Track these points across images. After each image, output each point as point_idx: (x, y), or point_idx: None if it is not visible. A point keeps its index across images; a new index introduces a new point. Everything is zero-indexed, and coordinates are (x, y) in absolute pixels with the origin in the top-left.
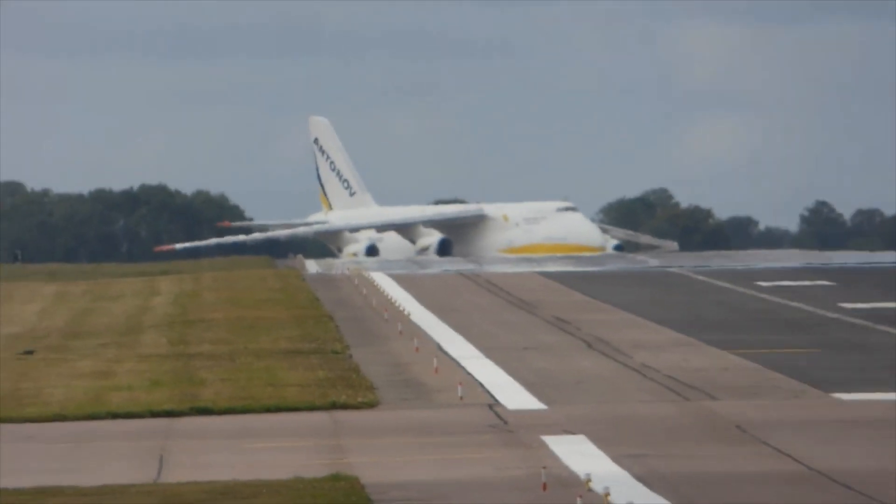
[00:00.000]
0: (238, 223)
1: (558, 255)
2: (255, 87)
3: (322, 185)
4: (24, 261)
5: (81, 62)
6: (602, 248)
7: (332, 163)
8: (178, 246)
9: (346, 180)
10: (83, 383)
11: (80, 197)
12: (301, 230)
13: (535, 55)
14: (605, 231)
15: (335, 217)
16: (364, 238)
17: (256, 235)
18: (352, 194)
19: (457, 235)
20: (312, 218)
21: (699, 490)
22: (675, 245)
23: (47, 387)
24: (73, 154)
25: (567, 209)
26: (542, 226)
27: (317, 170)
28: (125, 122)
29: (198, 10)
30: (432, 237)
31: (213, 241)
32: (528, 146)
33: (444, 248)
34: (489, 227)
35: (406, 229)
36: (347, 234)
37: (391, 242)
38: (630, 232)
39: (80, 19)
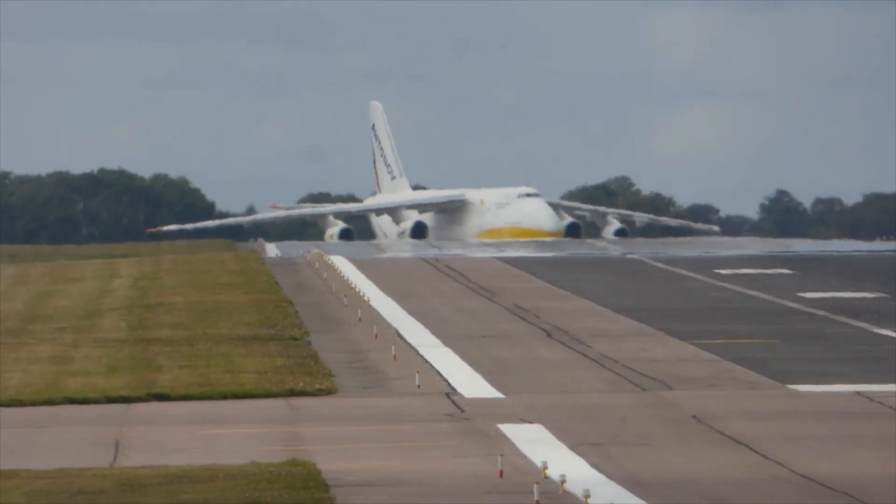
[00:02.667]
0: (283, 206)
1: (522, 240)
2: (217, 71)
3: (375, 170)
4: None
5: (40, 45)
6: (558, 233)
7: (381, 147)
8: (166, 228)
9: (389, 165)
10: (40, 368)
11: (39, 179)
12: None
13: (510, 44)
14: (627, 219)
15: (370, 201)
16: (340, 223)
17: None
18: (392, 178)
19: (440, 220)
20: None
21: (655, 478)
22: (716, 229)
23: (4, 371)
24: (33, 137)
25: (528, 195)
26: (505, 211)
27: (373, 154)
28: (85, 105)
29: None
30: (410, 221)
31: (211, 223)
32: (500, 134)
33: (417, 232)
34: (469, 212)
35: (394, 213)
36: (331, 219)
37: (386, 226)
38: (652, 216)
39: (39, 2)
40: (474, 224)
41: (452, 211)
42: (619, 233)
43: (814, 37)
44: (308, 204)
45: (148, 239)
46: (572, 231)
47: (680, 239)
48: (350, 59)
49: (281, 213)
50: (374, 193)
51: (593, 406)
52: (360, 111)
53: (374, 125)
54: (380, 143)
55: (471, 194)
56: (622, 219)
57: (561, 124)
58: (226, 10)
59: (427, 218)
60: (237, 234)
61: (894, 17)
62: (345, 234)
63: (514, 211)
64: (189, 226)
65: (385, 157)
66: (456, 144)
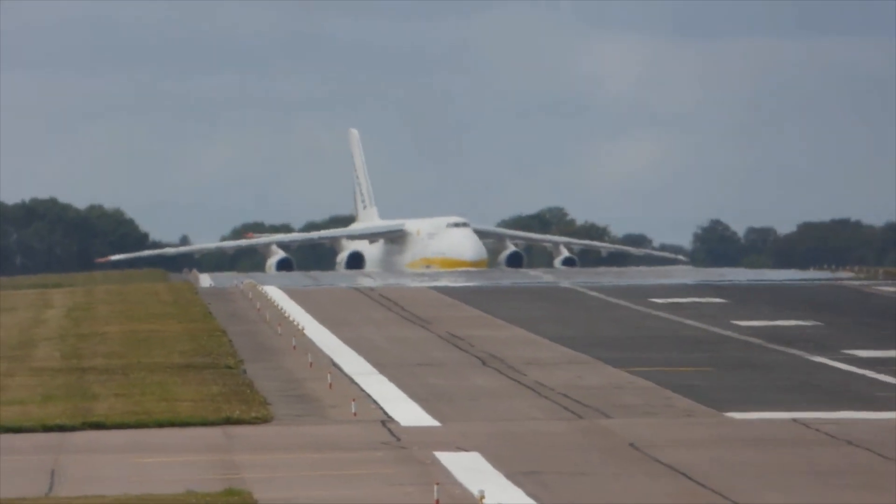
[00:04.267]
0: (259, 234)
1: (456, 269)
2: (150, 101)
3: (354, 198)
4: None
5: None
6: (481, 263)
7: (357, 175)
8: (115, 258)
9: (362, 194)
10: None
11: None
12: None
13: (449, 70)
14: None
15: (330, 231)
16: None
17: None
18: (364, 207)
19: (380, 250)
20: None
21: None
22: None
23: None
24: None
25: (457, 224)
26: (434, 240)
27: (353, 182)
28: (17, 135)
29: (101, 21)
30: (346, 252)
31: (149, 252)
32: (438, 162)
33: (353, 262)
34: (407, 242)
35: (336, 243)
36: (273, 248)
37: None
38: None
39: None
40: (410, 254)
41: (392, 241)
42: (568, 262)
43: (747, 68)
44: (266, 235)
45: (81, 269)
46: (514, 260)
47: (614, 268)
48: (283, 87)
49: (230, 244)
50: (347, 222)
51: (530, 434)
52: (295, 139)
53: (352, 153)
54: (356, 171)
55: (410, 224)
56: (569, 247)
57: (496, 153)
58: (158, 40)
59: (367, 248)
60: (170, 264)
61: (824, 49)
62: (283, 265)
63: (441, 241)
64: (136, 254)
65: (360, 186)
66: (397, 173)
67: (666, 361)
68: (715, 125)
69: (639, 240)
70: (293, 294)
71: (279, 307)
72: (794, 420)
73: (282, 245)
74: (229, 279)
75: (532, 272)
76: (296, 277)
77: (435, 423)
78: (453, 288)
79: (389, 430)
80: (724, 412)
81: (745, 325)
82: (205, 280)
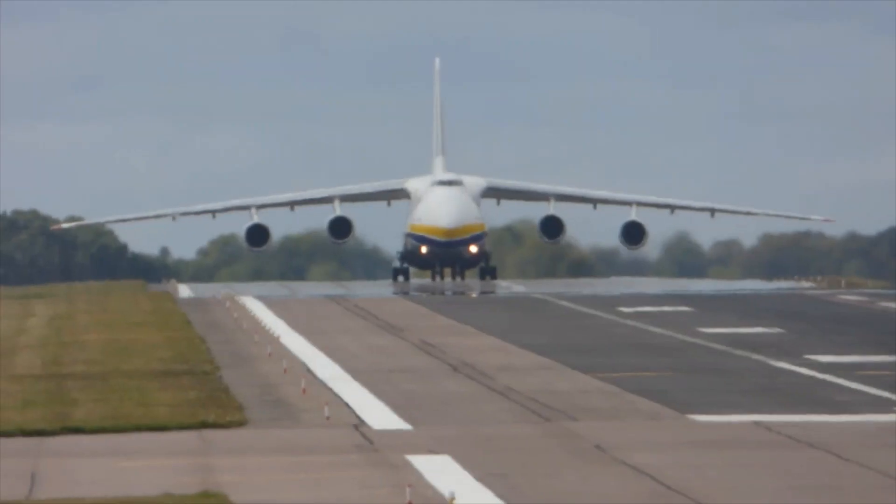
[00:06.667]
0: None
1: (432, 239)
2: (126, 111)
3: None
4: None
5: None
6: (463, 230)
7: (434, 113)
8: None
9: (436, 138)
10: None
11: None
12: None
13: None
14: None
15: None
16: None
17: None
18: (435, 156)
19: (375, 214)
20: None
21: None
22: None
23: None
24: None
25: (443, 182)
26: (421, 203)
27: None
28: None
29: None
30: (330, 217)
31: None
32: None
33: (337, 229)
34: (410, 206)
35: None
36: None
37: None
38: None
39: None
40: (409, 218)
41: (393, 204)
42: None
43: (717, 81)
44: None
45: (62, 280)
46: (550, 227)
47: (582, 279)
48: (262, 92)
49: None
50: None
51: (499, 437)
52: (265, 144)
53: (433, 86)
54: (434, 107)
55: (412, 183)
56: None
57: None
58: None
59: (359, 212)
60: (150, 274)
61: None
62: (254, 234)
63: (425, 203)
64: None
65: (434, 128)
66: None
67: (633, 367)
68: (686, 134)
69: (608, 253)
70: (270, 304)
71: (256, 317)
72: (756, 423)
73: (263, 210)
74: (208, 289)
75: (503, 283)
76: (272, 287)
77: (407, 426)
78: (428, 298)
79: (362, 433)
80: (688, 415)
81: (709, 332)
82: (184, 290)
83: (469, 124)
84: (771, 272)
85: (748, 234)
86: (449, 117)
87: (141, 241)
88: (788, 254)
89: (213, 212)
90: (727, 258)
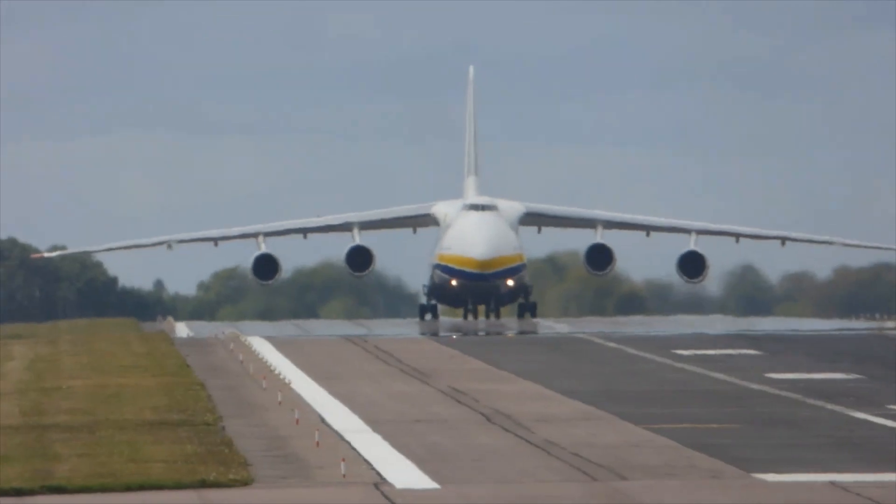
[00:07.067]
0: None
1: (464, 271)
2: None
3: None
4: None
5: None
6: (498, 262)
7: (466, 128)
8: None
9: (468, 156)
10: None
11: None
12: None
13: None
14: None
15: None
16: None
17: None
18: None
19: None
20: None
21: None
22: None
23: None
24: None
25: (475, 207)
26: (451, 230)
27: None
28: None
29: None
30: (348, 246)
31: None
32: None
33: (355, 260)
34: (439, 233)
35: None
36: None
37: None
38: None
39: None
40: (437, 247)
41: (415, 230)
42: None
43: (796, 94)
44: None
45: (44, 317)
46: (597, 257)
47: (633, 317)
48: (271, 106)
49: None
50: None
51: (539, 498)
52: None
53: (465, 98)
54: (466, 122)
55: (440, 208)
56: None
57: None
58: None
59: (380, 241)
60: (144, 311)
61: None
62: (262, 264)
63: (454, 230)
64: None
65: (467, 145)
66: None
67: (690, 417)
68: (746, 162)
69: (663, 287)
70: (280, 345)
71: (264, 359)
72: (833, 483)
73: (272, 238)
74: (209, 328)
75: (545, 321)
76: (282, 326)
77: (433, 485)
78: (458, 339)
79: (383, 492)
80: (754, 473)
81: (778, 378)
82: (182, 329)
83: (505, 141)
84: (848, 309)
85: (821, 267)
86: (483, 133)
87: (133, 273)
88: (867, 288)
89: (216, 239)
90: (797, 293)
